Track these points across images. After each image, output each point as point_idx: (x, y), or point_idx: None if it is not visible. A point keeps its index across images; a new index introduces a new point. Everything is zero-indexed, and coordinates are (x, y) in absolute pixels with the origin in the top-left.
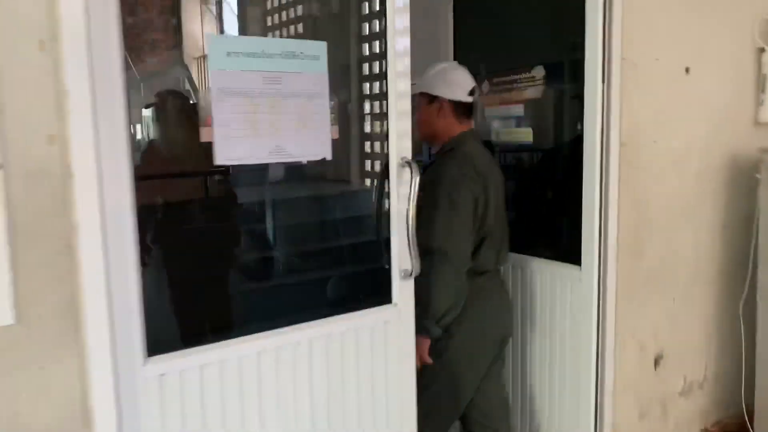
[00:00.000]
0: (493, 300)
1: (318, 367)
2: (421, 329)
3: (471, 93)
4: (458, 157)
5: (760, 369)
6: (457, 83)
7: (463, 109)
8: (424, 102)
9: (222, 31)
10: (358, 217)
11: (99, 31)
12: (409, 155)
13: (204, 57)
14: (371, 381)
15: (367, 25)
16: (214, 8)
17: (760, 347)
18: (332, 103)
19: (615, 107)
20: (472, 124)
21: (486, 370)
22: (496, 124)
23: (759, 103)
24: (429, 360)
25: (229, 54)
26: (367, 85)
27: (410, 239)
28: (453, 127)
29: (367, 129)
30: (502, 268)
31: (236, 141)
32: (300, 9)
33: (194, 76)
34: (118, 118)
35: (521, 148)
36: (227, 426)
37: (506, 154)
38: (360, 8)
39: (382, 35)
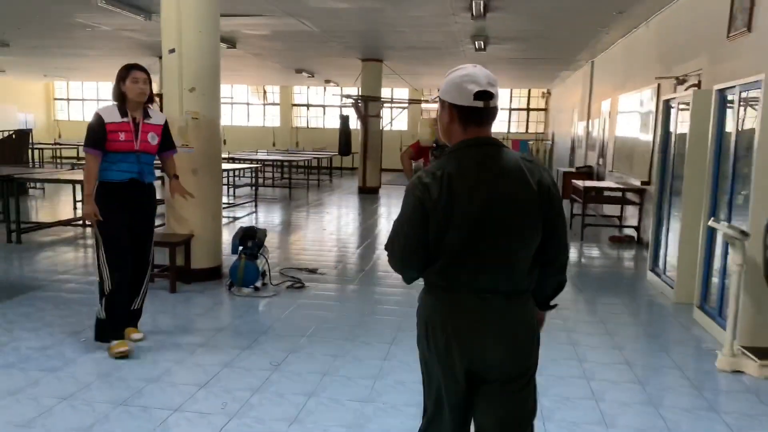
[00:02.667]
0: (461, 320)
1: None
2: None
3: (478, 97)
4: (431, 166)
5: None
6: (460, 85)
7: (469, 117)
8: (440, 106)
9: None
10: None
11: None
12: None
13: None
14: None
15: None
16: None
17: None
18: None
19: None
20: (485, 131)
21: (462, 394)
22: None
23: None
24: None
25: None
26: None
27: None
28: (457, 134)
29: None
30: (502, 297)
31: None
32: None
33: None
34: None
35: None
36: None
37: None
38: None
39: None
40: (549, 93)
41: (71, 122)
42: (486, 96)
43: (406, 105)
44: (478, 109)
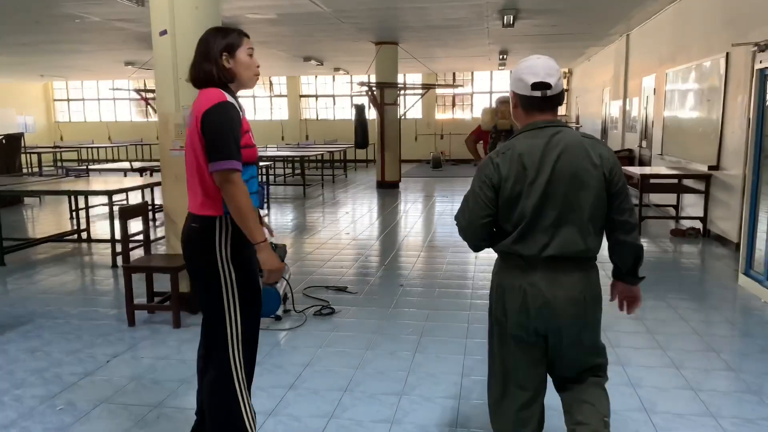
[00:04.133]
0: (534, 284)
1: None
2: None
3: (535, 88)
4: (500, 147)
5: None
6: (520, 76)
7: (529, 104)
8: (510, 92)
9: None
10: None
11: None
12: None
13: None
14: None
15: None
16: None
17: None
18: None
19: None
20: (549, 115)
21: (538, 350)
22: None
23: None
24: None
25: None
26: None
27: None
28: (520, 118)
29: None
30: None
31: None
32: None
33: None
34: None
35: None
36: None
37: None
38: None
39: None
40: (570, 72)
41: (73, 124)
42: (543, 86)
43: (425, 90)
44: (537, 98)
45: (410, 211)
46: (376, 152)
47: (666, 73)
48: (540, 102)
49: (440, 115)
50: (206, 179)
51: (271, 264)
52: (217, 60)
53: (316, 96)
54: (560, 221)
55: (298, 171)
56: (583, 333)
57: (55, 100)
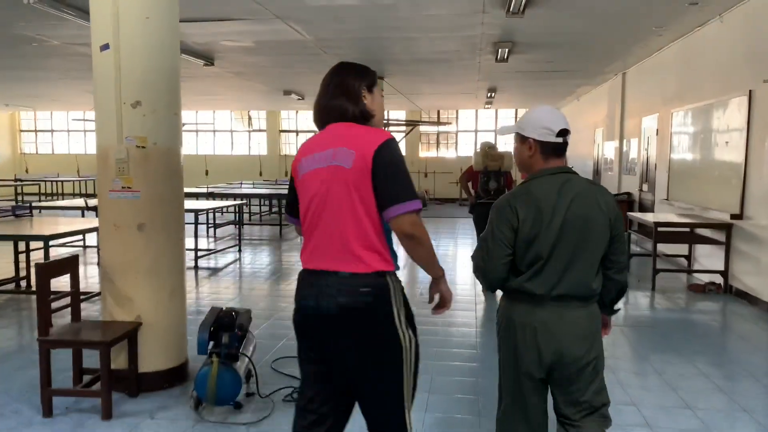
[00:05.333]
0: (543, 322)
1: None
2: None
3: (560, 134)
4: (515, 190)
5: None
6: (543, 123)
7: (551, 150)
8: (517, 140)
9: None
10: None
11: None
12: None
13: None
14: None
15: None
16: None
17: None
18: None
19: None
20: (561, 161)
21: (541, 386)
22: None
23: None
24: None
25: None
26: None
27: None
28: (536, 164)
29: None
30: (573, 303)
31: None
32: None
33: None
34: None
35: None
36: None
37: None
38: None
39: None
40: None
41: (40, 156)
42: (566, 133)
43: (411, 126)
44: (559, 144)
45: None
46: None
47: (671, 113)
48: (559, 148)
49: (424, 153)
50: (374, 228)
51: (451, 295)
52: (359, 97)
53: (297, 131)
54: (571, 262)
55: (275, 209)
56: (587, 370)
57: (21, 130)
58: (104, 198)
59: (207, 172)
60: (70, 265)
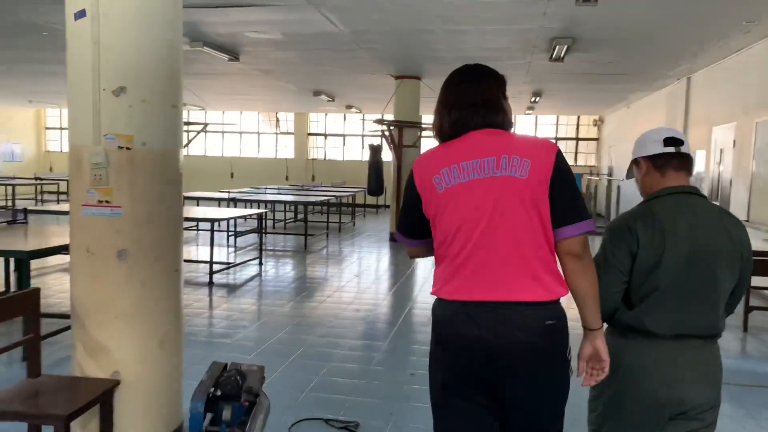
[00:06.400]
0: (661, 363)
1: None
2: None
3: (668, 143)
4: (633, 210)
5: None
6: (648, 139)
7: (665, 163)
8: (632, 168)
9: None
10: None
11: None
12: None
13: None
14: None
15: None
16: None
17: None
18: None
19: None
20: (684, 178)
21: None
22: None
23: None
24: None
25: None
26: None
27: None
28: (655, 183)
29: None
30: (697, 341)
31: None
32: None
33: None
34: None
35: None
36: None
37: None
38: None
39: None
40: (601, 120)
41: (64, 154)
42: (675, 142)
43: None
44: (670, 155)
45: (429, 276)
46: (391, 199)
47: (755, 123)
48: (674, 160)
49: None
50: (551, 247)
51: (608, 356)
52: (503, 103)
53: (325, 135)
54: (695, 298)
55: (301, 215)
56: (710, 414)
57: (46, 128)
58: (76, 215)
59: (232, 175)
60: (27, 302)
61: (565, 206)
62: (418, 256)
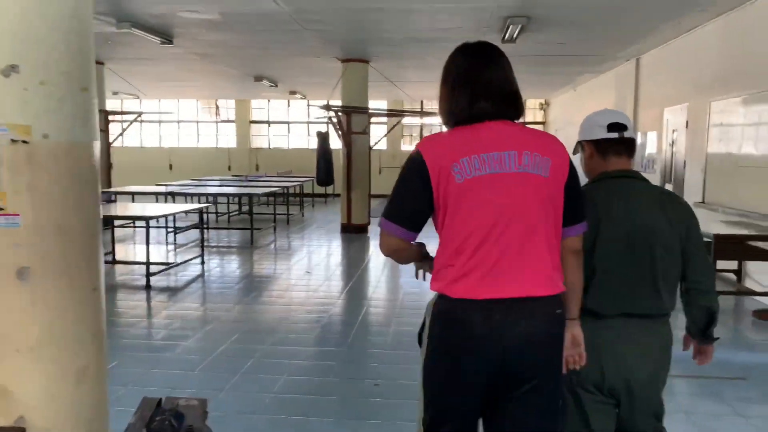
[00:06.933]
0: (608, 342)
1: None
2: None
3: (612, 129)
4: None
5: None
6: (592, 123)
7: (607, 148)
8: (578, 149)
9: None
10: None
11: None
12: None
13: None
14: None
15: None
16: None
17: None
18: None
19: None
20: (626, 162)
21: (611, 408)
22: None
23: None
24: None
25: None
26: None
27: None
28: (597, 166)
29: None
30: (637, 320)
31: None
32: None
33: None
34: None
35: None
36: None
37: None
38: None
39: None
40: (547, 104)
41: None
42: (619, 127)
43: (398, 118)
44: (614, 141)
45: (385, 269)
46: (341, 188)
47: (710, 103)
48: (617, 145)
49: (406, 146)
50: (558, 245)
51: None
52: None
53: (269, 122)
54: (636, 278)
55: (246, 208)
56: (654, 393)
57: None
58: None
59: (171, 167)
60: None
61: (575, 206)
62: (399, 255)
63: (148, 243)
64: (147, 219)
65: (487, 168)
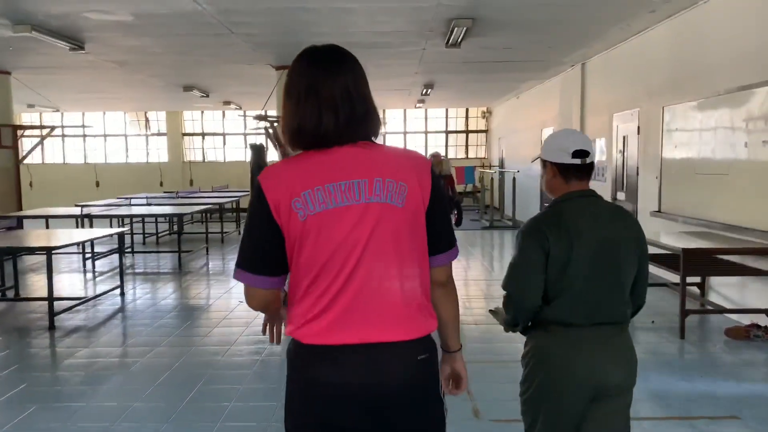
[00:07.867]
0: (582, 350)
1: None
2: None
3: (576, 155)
4: (542, 213)
5: None
6: (558, 146)
7: (569, 173)
8: (541, 165)
9: None
10: None
11: None
12: None
13: None
14: None
15: None
16: None
17: None
18: None
19: None
20: (585, 184)
21: (578, 416)
22: None
23: None
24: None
25: None
26: None
27: None
28: (558, 187)
29: None
30: (610, 326)
31: None
32: None
33: None
34: None
35: None
36: None
37: None
38: None
39: None
40: (489, 112)
41: None
42: (583, 154)
43: None
44: (577, 165)
45: None
46: None
47: (662, 108)
48: (579, 170)
49: None
50: (426, 280)
51: (466, 373)
52: (372, 101)
53: (203, 134)
54: (606, 288)
55: (176, 227)
56: (624, 404)
57: None
58: None
59: (98, 184)
60: None
61: (441, 234)
62: (267, 306)
63: (50, 277)
64: (49, 250)
65: (333, 201)
